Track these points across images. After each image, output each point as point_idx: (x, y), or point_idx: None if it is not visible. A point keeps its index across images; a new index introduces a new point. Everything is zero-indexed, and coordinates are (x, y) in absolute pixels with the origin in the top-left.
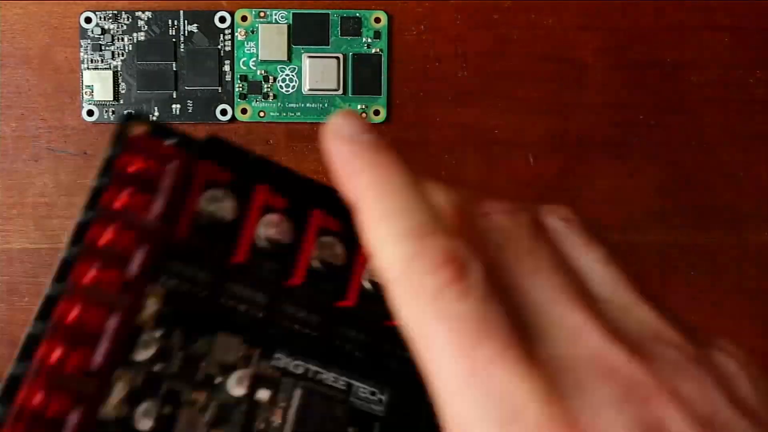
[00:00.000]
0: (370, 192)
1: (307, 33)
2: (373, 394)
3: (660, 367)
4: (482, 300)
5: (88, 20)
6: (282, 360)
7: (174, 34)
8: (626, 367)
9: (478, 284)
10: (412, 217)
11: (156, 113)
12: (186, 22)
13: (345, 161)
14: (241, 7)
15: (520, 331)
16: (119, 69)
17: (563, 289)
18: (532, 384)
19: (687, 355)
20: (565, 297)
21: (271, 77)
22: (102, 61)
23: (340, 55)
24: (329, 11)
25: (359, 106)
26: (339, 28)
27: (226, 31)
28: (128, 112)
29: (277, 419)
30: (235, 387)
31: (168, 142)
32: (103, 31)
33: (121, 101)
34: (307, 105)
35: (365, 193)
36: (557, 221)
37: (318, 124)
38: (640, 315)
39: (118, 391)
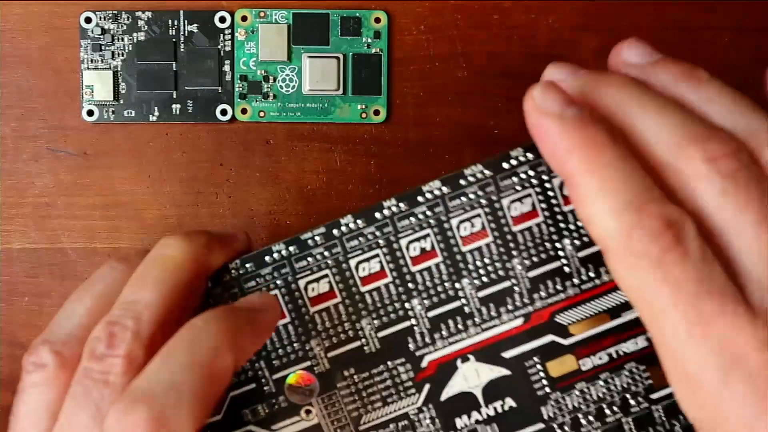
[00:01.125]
0: (582, 169)
1: (307, 33)
2: None
3: None
4: (700, 261)
5: (88, 20)
6: None
7: (174, 34)
8: None
9: (695, 247)
10: (626, 190)
11: (156, 113)
12: (186, 22)
13: (554, 141)
14: (241, 7)
15: (736, 283)
16: (119, 69)
17: None
18: (752, 334)
19: None
20: None
21: (271, 77)
22: (102, 61)
23: (340, 55)
24: (329, 11)
25: (359, 106)
26: (339, 28)
27: (226, 31)
28: None
29: None
30: None
31: None
32: (103, 31)
33: (121, 101)
34: (307, 105)
35: (577, 171)
36: None
37: (318, 123)
38: None
39: None
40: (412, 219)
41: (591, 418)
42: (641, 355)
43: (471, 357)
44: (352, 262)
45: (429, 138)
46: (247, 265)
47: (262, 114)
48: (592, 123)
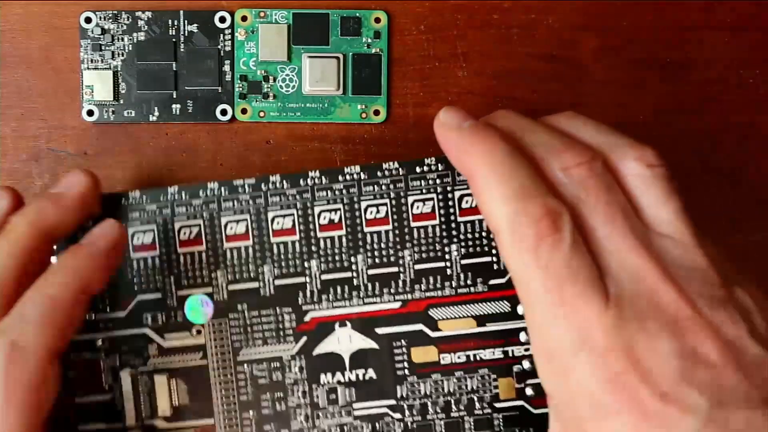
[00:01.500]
0: (478, 165)
1: (307, 33)
2: None
3: (699, 303)
4: (570, 249)
5: (88, 20)
6: None
7: (174, 34)
8: (674, 303)
9: (568, 236)
10: (513, 182)
11: (156, 113)
12: (186, 22)
13: (455, 145)
14: (241, 7)
15: (598, 269)
16: (119, 69)
17: (632, 236)
18: (602, 318)
19: (721, 294)
20: (632, 243)
21: (271, 77)
22: (102, 61)
23: (340, 55)
24: (329, 11)
25: (359, 106)
26: (339, 28)
27: (226, 31)
28: None
29: None
30: None
31: None
32: (103, 31)
33: (121, 101)
34: (307, 105)
35: (474, 167)
36: (641, 167)
37: (318, 123)
38: (692, 257)
39: None
40: (329, 192)
41: (438, 408)
42: (495, 365)
43: (348, 324)
44: (270, 215)
45: (429, 138)
46: (183, 193)
47: (262, 114)
48: (484, 129)
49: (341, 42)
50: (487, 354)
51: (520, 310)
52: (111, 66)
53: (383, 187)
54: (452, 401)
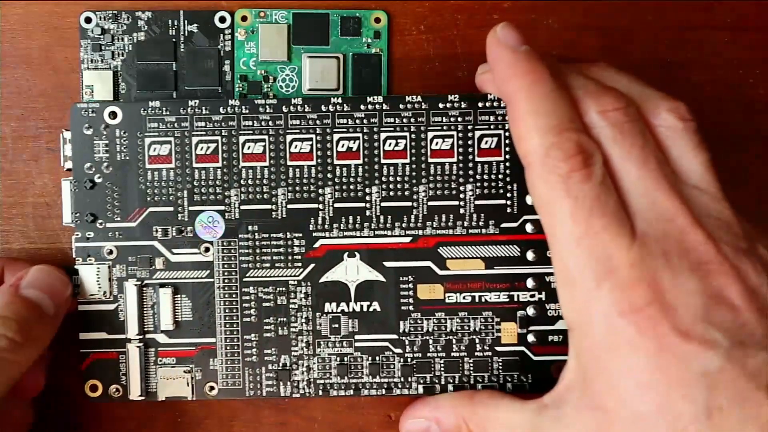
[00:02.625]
0: (523, 92)
1: (307, 33)
2: None
3: (725, 250)
4: (599, 185)
5: (88, 20)
6: None
7: (174, 34)
8: (701, 246)
9: (599, 173)
10: (553, 116)
11: None
12: (186, 22)
13: (506, 66)
14: (241, 7)
15: (625, 209)
16: (119, 69)
17: (663, 179)
18: (628, 251)
19: (745, 245)
20: (663, 186)
21: (271, 77)
22: (102, 61)
23: (340, 55)
24: (329, 11)
25: None
26: (339, 28)
27: (226, 31)
28: None
29: None
30: None
31: None
32: (103, 31)
33: (121, 101)
34: None
35: (518, 94)
36: (674, 119)
37: None
38: (720, 208)
39: None
40: (350, 120)
41: (439, 347)
42: (499, 308)
43: (357, 254)
44: (288, 137)
45: None
46: (204, 107)
47: None
48: (538, 59)
49: (341, 42)
50: (492, 297)
51: (529, 255)
52: (111, 66)
53: (404, 120)
54: (454, 341)
